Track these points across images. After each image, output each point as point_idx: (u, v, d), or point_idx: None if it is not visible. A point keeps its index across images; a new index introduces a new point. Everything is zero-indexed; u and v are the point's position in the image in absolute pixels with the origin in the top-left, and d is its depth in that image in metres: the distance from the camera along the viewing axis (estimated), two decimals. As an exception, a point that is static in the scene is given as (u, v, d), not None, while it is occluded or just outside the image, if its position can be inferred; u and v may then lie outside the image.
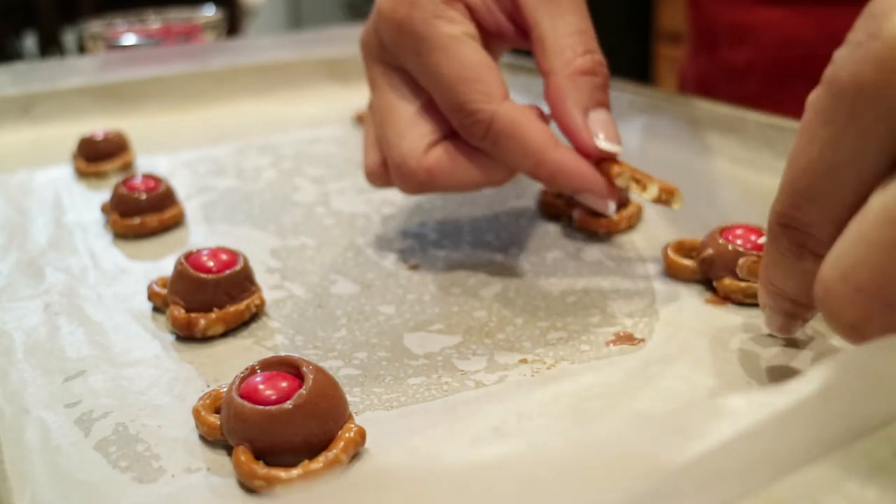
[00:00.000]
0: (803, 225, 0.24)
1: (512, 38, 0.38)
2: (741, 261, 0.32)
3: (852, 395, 0.21)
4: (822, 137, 0.23)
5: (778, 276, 0.26)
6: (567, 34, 0.35)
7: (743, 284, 0.34)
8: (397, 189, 0.38)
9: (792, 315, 0.28)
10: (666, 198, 0.35)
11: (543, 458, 0.18)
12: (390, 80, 0.38)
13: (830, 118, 0.23)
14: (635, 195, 0.35)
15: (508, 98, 0.35)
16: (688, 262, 0.37)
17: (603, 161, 0.35)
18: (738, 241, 0.35)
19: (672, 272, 0.37)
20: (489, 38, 0.38)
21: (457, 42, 0.35)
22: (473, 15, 0.37)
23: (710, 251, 0.35)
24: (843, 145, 0.22)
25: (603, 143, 0.35)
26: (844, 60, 0.22)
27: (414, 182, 0.37)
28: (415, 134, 0.37)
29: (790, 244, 0.25)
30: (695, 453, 0.19)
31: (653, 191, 0.35)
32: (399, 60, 0.37)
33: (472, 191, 0.38)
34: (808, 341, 0.31)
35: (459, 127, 0.36)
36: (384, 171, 0.39)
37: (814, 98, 0.23)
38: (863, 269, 0.21)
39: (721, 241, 0.35)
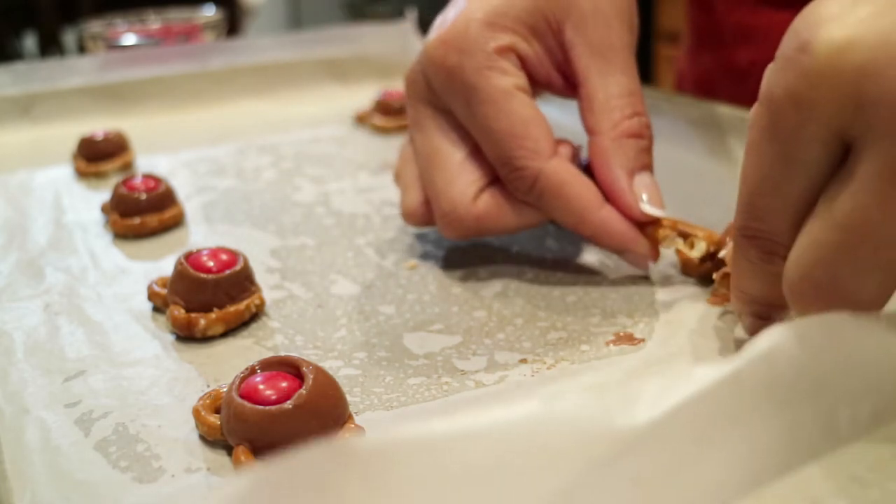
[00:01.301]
0: (767, 234, 0.26)
1: (560, 89, 0.38)
2: (715, 274, 0.33)
3: (799, 358, 0.22)
4: (769, 153, 0.25)
5: (749, 284, 0.28)
6: (616, 95, 0.36)
7: None
8: (439, 232, 0.38)
9: (765, 317, 0.29)
10: (715, 250, 0.35)
11: (505, 434, 0.19)
12: (438, 123, 0.38)
13: (774, 135, 0.24)
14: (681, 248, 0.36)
15: (556, 154, 0.35)
16: (706, 262, 0.36)
17: (647, 223, 0.35)
18: None
19: (688, 270, 0.37)
20: (536, 87, 0.38)
21: (507, 96, 0.35)
22: (524, 65, 0.37)
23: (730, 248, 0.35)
24: (790, 158, 0.24)
25: (647, 207, 0.35)
26: (777, 76, 0.24)
27: (461, 229, 0.37)
28: (464, 181, 0.37)
29: (759, 253, 0.27)
30: (650, 417, 0.20)
31: (701, 247, 0.35)
32: (447, 105, 0.37)
33: (513, 234, 0.39)
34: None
35: (505, 180, 0.36)
36: (425, 212, 0.39)
37: (755, 115, 0.25)
38: (818, 269, 0.24)
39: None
